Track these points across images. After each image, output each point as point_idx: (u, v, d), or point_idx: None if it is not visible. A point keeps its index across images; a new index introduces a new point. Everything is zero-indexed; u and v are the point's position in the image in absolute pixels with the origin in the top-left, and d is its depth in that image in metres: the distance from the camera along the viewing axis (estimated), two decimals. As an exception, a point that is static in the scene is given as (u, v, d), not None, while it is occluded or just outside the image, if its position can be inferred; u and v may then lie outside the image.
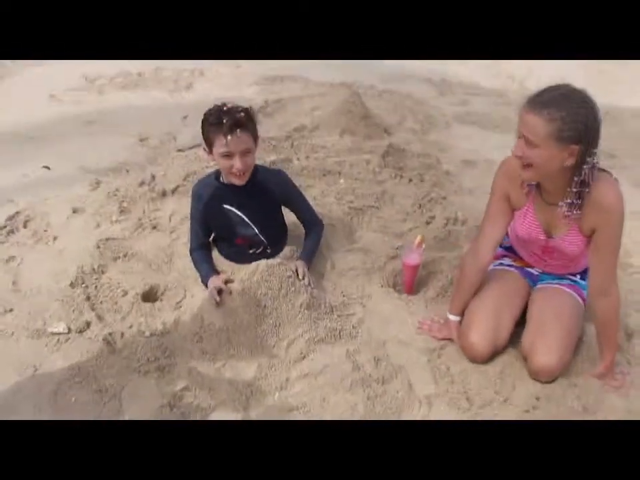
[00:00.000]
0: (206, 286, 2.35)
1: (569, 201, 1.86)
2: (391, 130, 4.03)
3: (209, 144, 2.25)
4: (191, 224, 2.52)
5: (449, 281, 2.50)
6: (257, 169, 2.37)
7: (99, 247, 2.62)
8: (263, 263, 2.27)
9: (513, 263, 2.32)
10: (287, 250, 2.52)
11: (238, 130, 2.15)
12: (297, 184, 2.60)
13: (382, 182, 3.31)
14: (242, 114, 2.19)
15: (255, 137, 2.28)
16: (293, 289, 2.22)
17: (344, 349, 2.13)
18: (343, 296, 2.43)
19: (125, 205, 2.97)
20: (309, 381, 2.02)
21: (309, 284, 2.30)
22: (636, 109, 4.91)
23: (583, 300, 2.21)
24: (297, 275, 2.30)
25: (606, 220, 1.86)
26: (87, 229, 2.80)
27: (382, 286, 2.53)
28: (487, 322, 2.10)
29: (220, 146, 2.19)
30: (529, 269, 2.29)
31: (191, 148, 3.59)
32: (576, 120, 1.70)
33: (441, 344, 2.23)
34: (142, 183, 3.12)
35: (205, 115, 2.25)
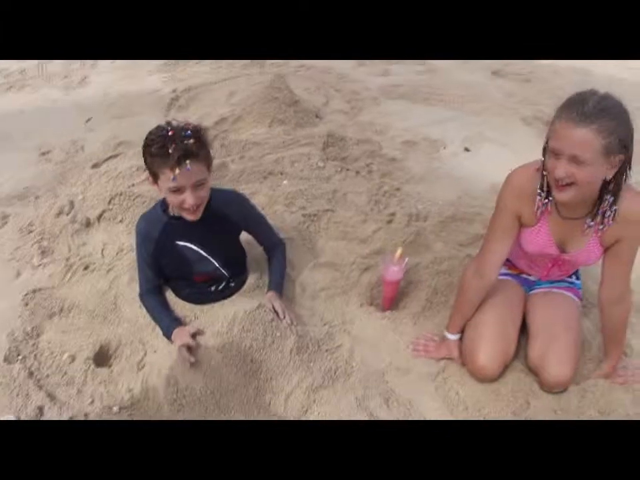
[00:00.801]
0: (169, 339, 2.03)
1: (598, 214, 1.72)
2: (320, 113, 3.75)
3: (154, 175, 1.89)
4: (138, 265, 2.15)
5: (433, 290, 2.33)
6: (210, 195, 2.05)
7: (27, 303, 2.20)
8: (240, 309, 1.97)
9: (508, 271, 2.18)
10: (251, 279, 2.24)
11: (188, 161, 1.79)
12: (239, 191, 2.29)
13: (329, 178, 3.06)
14: (192, 140, 1.83)
15: (209, 164, 1.94)
16: (278, 334, 1.95)
17: (349, 397, 1.89)
18: (324, 324, 2.19)
19: (45, 243, 2.52)
20: (320, 443, 1.77)
21: (292, 322, 2.04)
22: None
23: (579, 299, 2.13)
24: (277, 313, 2.03)
25: (633, 231, 1.74)
26: (6, 279, 2.36)
27: (361, 305, 2.32)
28: (494, 342, 1.94)
29: (167, 180, 1.83)
30: (525, 276, 2.16)
31: (106, 160, 3.14)
32: (625, 127, 1.53)
33: (441, 365, 2.07)
34: (59, 213, 2.68)
35: (145, 140, 1.87)
